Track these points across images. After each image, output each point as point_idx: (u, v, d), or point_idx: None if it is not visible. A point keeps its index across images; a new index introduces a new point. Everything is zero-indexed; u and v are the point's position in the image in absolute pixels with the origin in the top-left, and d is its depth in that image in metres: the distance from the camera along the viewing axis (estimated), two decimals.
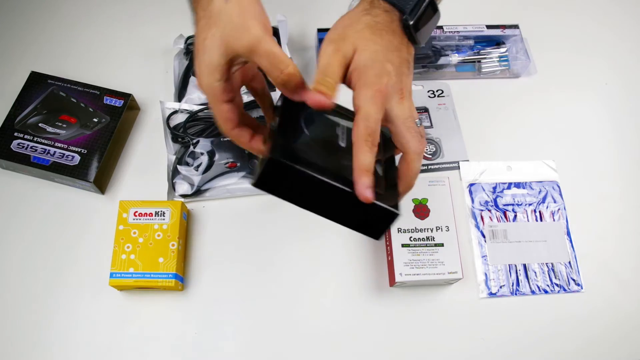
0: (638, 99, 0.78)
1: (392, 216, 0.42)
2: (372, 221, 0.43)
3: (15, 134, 0.66)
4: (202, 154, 0.67)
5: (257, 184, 0.42)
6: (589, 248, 0.67)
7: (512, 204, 0.69)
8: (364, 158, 0.40)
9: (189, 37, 0.75)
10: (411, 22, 0.47)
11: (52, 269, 0.63)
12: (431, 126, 0.74)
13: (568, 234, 0.68)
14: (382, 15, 0.47)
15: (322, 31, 0.77)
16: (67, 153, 0.65)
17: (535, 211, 0.69)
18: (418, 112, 0.75)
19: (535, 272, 0.65)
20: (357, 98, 0.43)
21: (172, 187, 0.67)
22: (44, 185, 0.67)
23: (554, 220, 0.68)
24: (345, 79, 0.45)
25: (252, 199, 0.67)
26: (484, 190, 0.70)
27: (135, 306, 0.62)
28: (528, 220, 0.68)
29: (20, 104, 0.68)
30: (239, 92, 0.47)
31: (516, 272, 0.65)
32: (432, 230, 0.62)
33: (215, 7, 0.41)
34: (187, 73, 0.73)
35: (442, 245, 0.62)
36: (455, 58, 0.77)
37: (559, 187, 0.71)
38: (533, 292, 0.64)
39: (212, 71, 0.42)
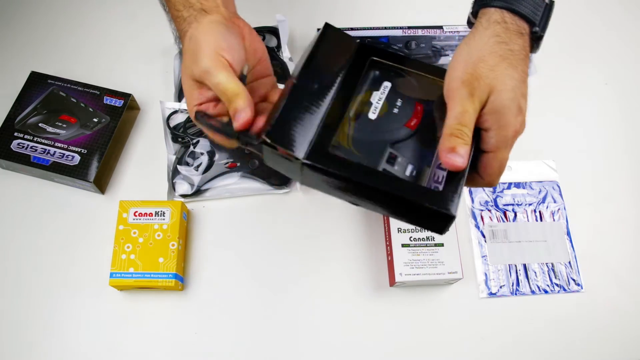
0: (638, 98, 0.78)
1: (447, 218, 0.40)
2: (427, 220, 0.42)
3: (15, 134, 0.66)
4: (202, 154, 0.67)
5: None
6: (589, 248, 0.67)
7: (512, 204, 0.69)
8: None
9: None
10: (543, 34, 0.44)
11: (52, 268, 0.63)
12: None
13: (568, 234, 0.68)
14: (517, 41, 0.43)
15: None
16: (67, 153, 0.65)
17: (535, 211, 0.69)
18: None
19: (535, 272, 0.65)
20: (494, 139, 0.42)
21: (172, 187, 0.67)
22: (44, 185, 0.67)
23: (554, 220, 0.68)
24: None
25: (252, 199, 0.67)
26: (484, 190, 0.70)
27: (135, 306, 0.62)
28: (528, 220, 0.68)
29: (20, 104, 0.68)
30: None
31: (516, 272, 0.65)
32: None
33: (184, 47, 0.46)
34: None
35: (442, 245, 0.62)
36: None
37: (559, 187, 0.71)
38: (533, 292, 0.64)
39: (188, 99, 0.47)
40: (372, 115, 0.44)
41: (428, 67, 0.46)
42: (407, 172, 0.42)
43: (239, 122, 0.42)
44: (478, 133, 0.42)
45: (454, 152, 0.39)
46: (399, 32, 0.78)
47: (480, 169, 0.44)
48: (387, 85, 0.45)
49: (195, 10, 0.47)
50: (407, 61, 0.47)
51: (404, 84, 0.46)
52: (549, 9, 0.44)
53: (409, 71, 0.46)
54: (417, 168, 0.42)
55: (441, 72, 0.45)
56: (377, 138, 0.43)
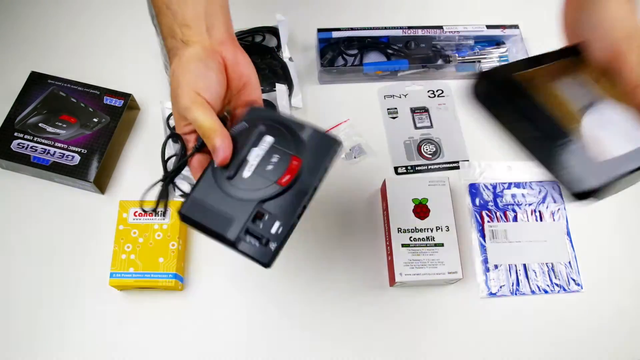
0: None
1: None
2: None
3: (15, 134, 0.66)
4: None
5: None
6: (589, 248, 0.67)
7: (512, 204, 0.69)
8: None
9: None
10: None
11: (52, 268, 0.63)
12: (431, 126, 0.74)
13: (568, 234, 0.68)
14: None
15: (322, 31, 0.77)
16: (67, 153, 0.65)
17: (535, 211, 0.69)
18: (418, 112, 0.75)
19: (535, 272, 0.65)
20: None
21: (172, 187, 0.66)
22: (44, 185, 0.67)
23: (554, 220, 0.68)
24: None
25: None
26: (484, 190, 0.70)
27: (135, 306, 0.62)
28: (528, 220, 0.68)
29: (20, 104, 0.68)
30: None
31: (516, 272, 0.65)
32: (432, 230, 0.62)
33: (170, 74, 0.48)
34: None
35: (442, 245, 0.62)
36: (455, 58, 0.77)
37: (559, 187, 0.71)
38: (533, 292, 0.64)
39: (177, 127, 0.49)
40: (247, 173, 0.45)
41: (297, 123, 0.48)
42: (273, 230, 0.44)
43: (217, 160, 0.45)
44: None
45: None
46: (399, 32, 0.78)
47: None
48: (267, 140, 0.46)
49: (177, 41, 0.48)
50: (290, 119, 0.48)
51: (285, 138, 0.46)
52: None
53: (292, 123, 0.48)
54: (284, 224, 0.44)
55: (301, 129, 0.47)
56: (247, 197, 0.45)
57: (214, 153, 0.45)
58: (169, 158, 0.51)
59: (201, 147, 0.47)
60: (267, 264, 0.43)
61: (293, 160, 0.45)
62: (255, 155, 0.46)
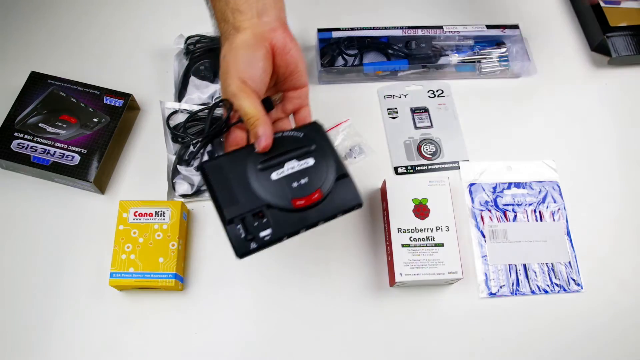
0: (638, 98, 0.78)
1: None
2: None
3: (15, 134, 0.66)
4: (202, 154, 0.67)
5: None
6: (589, 248, 0.67)
7: (512, 204, 0.69)
8: None
9: (188, 37, 0.75)
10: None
11: (52, 269, 0.63)
12: (431, 126, 0.74)
13: (568, 234, 0.68)
14: None
15: (322, 31, 0.77)
16: (67, 153, 0.65)
17: (535, 211, 0.69)
18: (418, 112, 0.75)
19: (535, 272, 0.65)
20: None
21: (172, 187, 0.67)
22: (44, 185, 0.67)
23: (554, 220, 0.68)
24: None
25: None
26: (484, 190, 0.70)
27: (135, 306, 0.62)
28: (528, 220, 0.68)
29: (20, 104, 0.68)
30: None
31: (516, 272, 0.65)
32: (432, 230, 0.62)
33: (220, 57, 0.50)
34: (187, 73, 0.73)
35: (442, 245, 0.62)
36: (455, 58, 0.77)
37: (559, 187, 0.71)
38: (533, 292, 0.64)
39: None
40: (275, 176, 0.48)
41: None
42: (262, 234, 0.46)
43: (259, 147, 0.47)
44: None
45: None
46: (399, 32, 0.78)
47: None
48: (309, 162, 0.48)
49: (228, 25, 0.50)
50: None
51: (322, 169, 0.49)
52: None
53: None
54: (273, 236, 0.46)
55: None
56: (261, 194, 0.47)
57: (256, 140, 0.47)
58: (213, 125, 0.52)
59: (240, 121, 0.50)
60: (239, 255, 0.46)
61: (316, 192, 0.47)
62: (290, 167, 0.48)
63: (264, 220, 0.46)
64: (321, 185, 0.47)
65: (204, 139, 0.53)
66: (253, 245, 0.46)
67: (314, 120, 0.52)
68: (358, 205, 0.49)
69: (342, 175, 0.49)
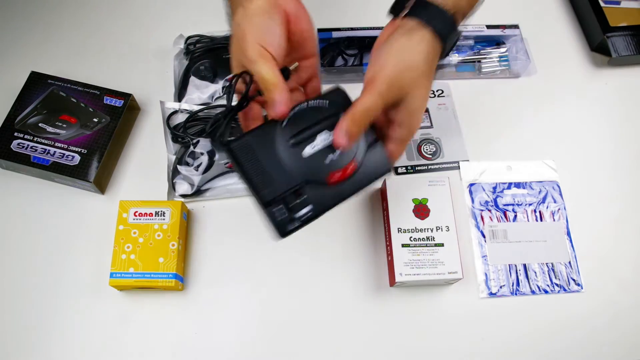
0: (638, 98, 0.78)
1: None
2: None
3: (15, 134, 0.66)
4: (202, 154, 0.67)
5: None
6: (589, 248, 0.67)
7: (512, 204, 0.69)
8: None
9: (188, 37, 0.75)
10: (444, 56, 0.51)
11: (52, 269, 0.63)
12: (431, 126, 0.74)
13: (568, 234, 0.68)
14: (437, 60, 0.49)
15: (322, 31, 0.77)
16: (67, 153, 0.65)
17: (535, 211, 0.69)
18: None
19: (535, 272, 0.65)
20: (404, 132, 0.49)
21: (172, 187, 0.67)
22: (44, 185, 0.67)
23: (554, 220, 0.68)
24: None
25: (252, 198, 0.67)
26: (484, 190, 0.70)
27: (135, 306, 0.62)
28: (528, 220, 0.68)
29: (20, 104, 0.68)
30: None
31: (516, 272, 0.65)
32: (432, 230, 0.62)
33: (232, 29, 0.49)
34: (187, 73, 0.73)
35: (442, 245, 0.62)
36: (455, 58, 0.77)
37: (559, 187, 0.71)
38: (533, 292, 0.64)
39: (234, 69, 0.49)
40: (309, 150, 0.46)
41: None
42: (302, 212, 0.45)
43: (273, 113, 0.46)
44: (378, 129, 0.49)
45: (348, 134, 0.45)
46: None
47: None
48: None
49: None
50: None
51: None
52: (457, 40, 0.51)
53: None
54: (313, 212, 0.45)
55: None
56: (297, 171, 0.46)
57: (271, 105, 0.46)
58: (230, 110, 0.50)
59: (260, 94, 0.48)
60: (282, 236, 0.45)
61: (351, 163, 0.46)
62: (323, 139, 0.46)
63: (303, 197, 0.45)
64: (355, 154, 0.46)
65: (228, 112, 0.49)
66: (294, 225, 0.45)
67: (336, 85, 0.50)
68: (389, 171, 0.48)
69: (373, 142, 0.48)
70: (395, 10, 0.50)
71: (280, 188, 0.45)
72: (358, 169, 0.46)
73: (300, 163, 0.45)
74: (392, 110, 0.48)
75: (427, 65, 0.47)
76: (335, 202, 0.46)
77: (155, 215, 0.62)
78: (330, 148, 0.46)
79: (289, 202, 0.45)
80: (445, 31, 0.48)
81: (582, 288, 0.65)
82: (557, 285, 0.65)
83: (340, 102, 0.48)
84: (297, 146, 0.46)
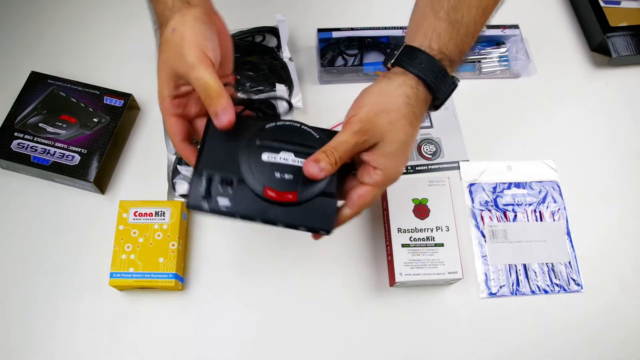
0: (638, 98, 0.78)
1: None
2: None
3: (15, 134, 0.66)
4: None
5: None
6: (589, 248, 0.67)
7: (512, 204, 0.69)
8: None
9: None
10: (438, 103, 0.49)
11: (52, 269, 0.63)
12: (431, 126, 0.74)
13: (568, 234, 0.68)
14: (422, 108, 0.48)
15: (322, 31, 0.77)
16: (67, 153, 0.65)
17: (535, 211, 0.69)
18: None
19: (535, 272, 0.65)
20: (379, 177, 0.47)
21: (172, 187, 0.67)
22: (44, 185, 0.67)
23: (554, 220, 0.68)
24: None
25: None
26: (484, 190, 0.70)
27: (135, 306, 0.62)
28: (528, 220, 0.68)
29: (20, 104, 0.68)
30: (190, 111, 0.50)
31: (516, 272, 0.65)
32: (432, 230, 0.62)
33: (165, 37, 0.46)
34: None
35: (442, 245, 0.62)
36: None
37: (559, 187, 0.71)
38: (533, 292, 0.64)
39: (161, 88, 0.47)
40: (265, 157, 0.46)
41: None
42: (219, 200, 0.45)
43: (219, 123, 0.44)
44: (351, 169, 0.48)
45: (317, 163, 0.44)
46: (399, 32, 0.78)
47: (352, 200, 0.47)
48: (302, 161, 0.46)
49: (179, 0, 0.47)
50: None
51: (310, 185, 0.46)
52: (454, 89, 0.49)
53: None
54: (229, 208, 0.45)
55: None
56: (244, 165, 0.45)
57: (218, 115, 0.44)
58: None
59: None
60: (188, 206, 0.45)
61: (292, 194, 0.45)
62: (283, 157, 0.46)
63: (230, 189, 0.45)
64: (301, 189, 0.45)
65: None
66: (205, 205, 0.44)
67: (338, 129, 0.50)
68: (326, 231, 0.46)
69: (328, 194, 0.46)
70: (385, 62, 0.50)
71: (217, 168, 0.45)
72: (297, 204, 0.45)
73: (249, 162, 0.45)
74: (367, 153, 0.46)
75: (408, 109, 0.46)
76: (254, 214, 0.45)
77: (155, 215, 0.62)
78: (283, 168, 0.45)
79: (215, 185, 0.45)
80: (432, 77, 0.46)
81: (582, 288, 0.65)
82: (557, 285, 0.65)
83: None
84: (260, 148, 0.46)
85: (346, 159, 0.46)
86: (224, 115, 0.44)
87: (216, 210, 0.45)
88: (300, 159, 0.46)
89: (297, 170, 0.45)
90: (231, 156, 0.46)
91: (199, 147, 0.47)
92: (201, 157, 0.46)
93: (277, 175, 0.45)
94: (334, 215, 0.46)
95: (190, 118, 0.50)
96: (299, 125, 0.48)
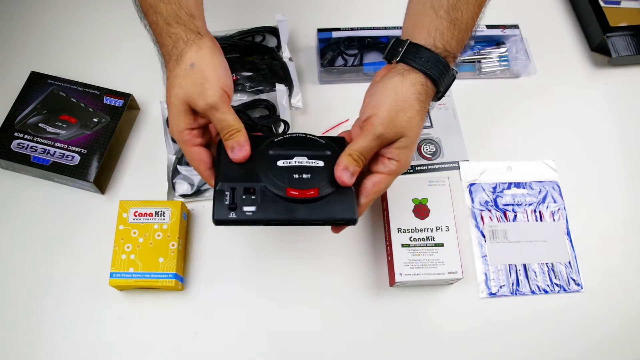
0: (638, 98, 0.78)
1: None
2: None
3: (15, 134, 0.66)
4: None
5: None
6: (589, 248, 0.67)
7: (512, 204, 0.69)
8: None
9: None
10: (440, 95, 0.52)
11: (52, 268, 0.63)
12: (431, 126, 0.74)
13: (568, 234, 0.68)
14: (429, 101, 0.50)
15: (322, 31, 0.77)
16: (67, 153, 0.65)
17: (535, 211, 0.69)
18: None
19: (535, 272, 0.65)
20: (394, 166, 0.49)
21: (172, 187, 0.67)
22: (44, 185, 0.67)
23: (554, 220, 0.68)
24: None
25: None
26: (484, 190, 0.70)
27: (135, 306, 0.62)
28: (528, 220, 0.68)
29: (20, 104, 0.68)
30: (207, 138, 0.51)
31: (516, 272, 0.65)
32: (432, 230, 0.62)
33: (182, 69, 0.47)
34: None
35: (442, 245, 0.62)
36: None
37: (559, 187, 0.71)
38: (533, 292, 0.64)
39: (177, 120, 0.48)
40: (280, 163, 0.48)
41: None
42: (245, 209, 0.46)
43: (238, 156, 0.47)
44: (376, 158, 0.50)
45: (347, 170, 0.47)
46: (398, 32, 0.77)
47: (367, 188, 0.49)
48: (318, 163, 0.49)
49: (190, 31, 0.47)
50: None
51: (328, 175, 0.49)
52: (453, 80, 0.52)
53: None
54: (256, 215, 0.46)
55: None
56: (262, 173, 0.48)
57: (234, 150, 0.47)
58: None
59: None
60: (215, 220, 0.46)
61: (313, 190, 0.47)
62: (298, 161, 0.49)
63: (253, 197, 0.46)
64: (320, 185, 0.48)
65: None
66: (232, 215, 0.46)
67: (342, 136, 0.52)
68: (352, 221, 0.48)
69: (347, 187, 0.48)
70: (389, 56, 0.51)
71: (237, 179, 0.47)
72: (319, 199, 0.47)
73: (266, 168, 0.48)
74: (383, 148, 0.49)
75: (420, 105, 0.48)
76: (282, 217, 0.47)
77: (155, 215, 0.62)
78: (300, 170, 0.48)
79: (239, 195, 0.46)
80: (438, 74, 0.49)
81: (582, 288, 0.65)
82: (557, 285, 0.65)
83: (335, 148, 0.50)
84: (274, 156, 0.48)
85: (369, 159, 0.49)
86: (240, 151, 0.47)
87: (243, 219, 0.46)
88: (313, 160, 0.48)
89: (313, 170, 0.48)
90: (247, 169, 0.48)
91: (214, 164, 0.49)
92: (219, 173, 0.47)
93: (296, 176, 0.47)
94: (356, 205, 0.48)
95: (208, 144, 0.51)
96: (304, 135, 0.51)
